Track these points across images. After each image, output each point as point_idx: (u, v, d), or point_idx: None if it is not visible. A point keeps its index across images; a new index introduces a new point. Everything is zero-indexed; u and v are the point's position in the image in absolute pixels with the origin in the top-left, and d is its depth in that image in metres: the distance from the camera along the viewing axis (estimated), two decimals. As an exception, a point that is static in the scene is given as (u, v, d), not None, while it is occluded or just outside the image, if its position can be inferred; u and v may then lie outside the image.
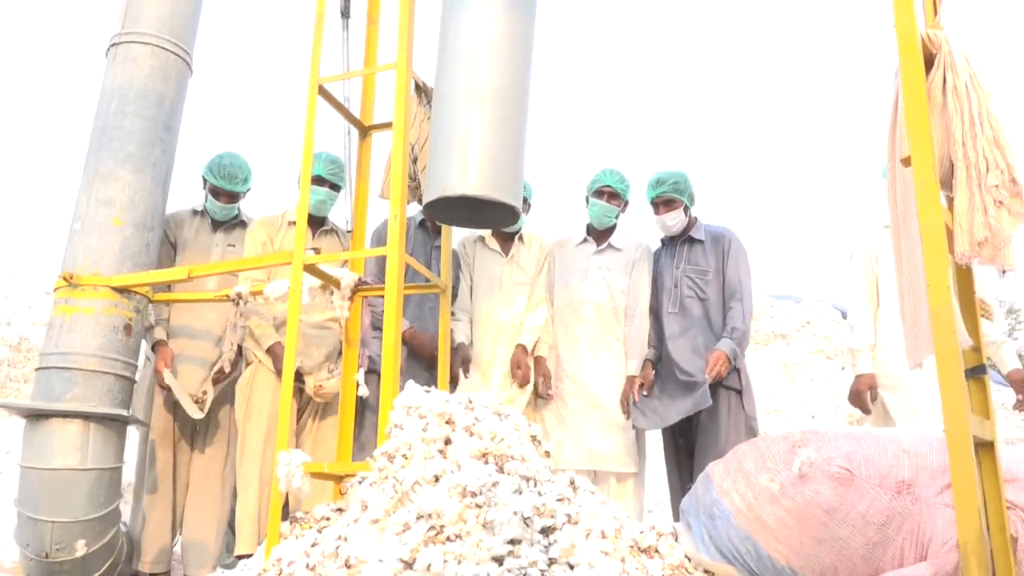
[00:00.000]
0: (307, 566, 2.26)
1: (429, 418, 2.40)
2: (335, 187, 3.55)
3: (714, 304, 3.69)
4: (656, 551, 2.37)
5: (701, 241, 3.76)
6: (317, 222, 3.63)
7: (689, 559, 2.37)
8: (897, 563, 2.00)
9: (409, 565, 2.04)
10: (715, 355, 3.45)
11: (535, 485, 2.32)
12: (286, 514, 2.89)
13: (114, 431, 3.08)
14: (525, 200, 4.00)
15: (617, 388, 3.72)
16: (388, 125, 3.07)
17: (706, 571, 2.34)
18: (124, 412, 3.05)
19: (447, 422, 2.42)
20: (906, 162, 1.93)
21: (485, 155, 2.70)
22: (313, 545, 2.43)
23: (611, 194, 3.84)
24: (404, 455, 2.36)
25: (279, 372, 3.33)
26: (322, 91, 3.05)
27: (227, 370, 3.44)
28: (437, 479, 2.26)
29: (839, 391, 10.93)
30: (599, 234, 3.93)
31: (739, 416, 3.50)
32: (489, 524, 2.12)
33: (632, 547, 2.32)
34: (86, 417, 2.97)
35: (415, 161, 3.17)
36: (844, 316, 12.53)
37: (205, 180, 3.70)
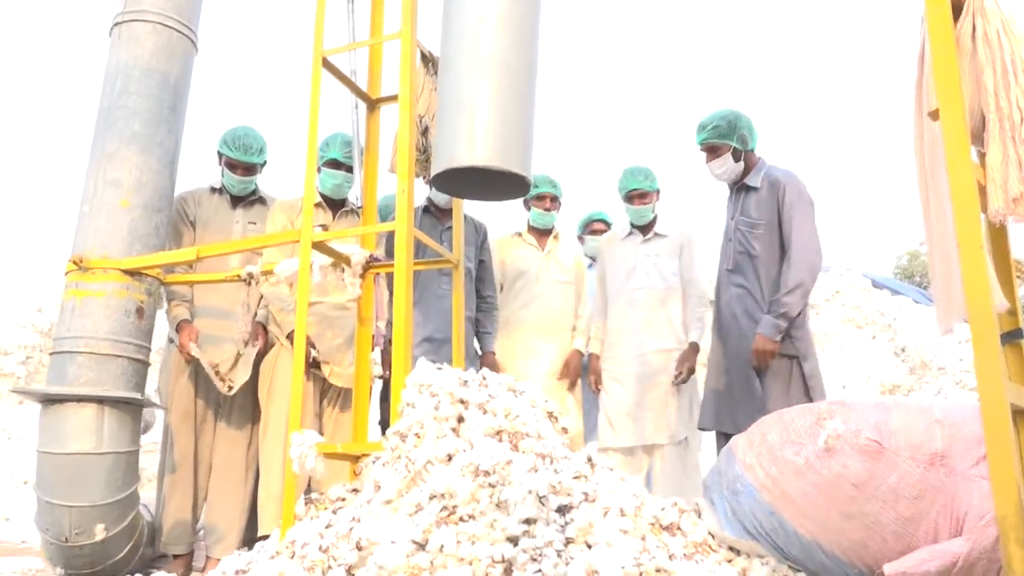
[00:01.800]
0: (320, 548, 2.22)
1: (441, 396, 2.34)
2: (352, 169, 3.50)
3: (766, 262, 3.36)
4: (678, 528, 2.29)
5: (756, 189, 3.42)
6: (337, 204, 3.63)
7: (713, 536, 2.30)
8: (931, 539, 1.91)
9: (422, 546, 1.99)
10: (754, 345, 3.27)
11: (551, 463, 2.26)
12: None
13: (129, 415, 3.06)
14: (555, 198, 4.19)
15: (667, 369, 3.83)
16: (396, 98, 2.99)
17: (730, 548, 2.26)
18: (138, 395, 3.02)
19: (460, 400, 2.36)
20: (934, 115, 1.82)
21: (493, 125, 2.60)
22: (327, 526, 2.39)
23: (639, 196, 3.95)
24: (416, 434, 2.31)
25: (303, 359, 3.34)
26: (327, 64, 2.97)
27: (241, 352, 3.40)
28: (450, 458, 2.21)
29: (870, 360, 10.75)
30: (643, 228, 4.04)
31: (798, 384, 3.27)
32: (503, 503, 2.06)
33: (653, 525, 2.25)
34: (100, 401, 2.95)
35: (424, 133, 3.08)
36: (874, 284, 12.30)
37: (220, 155, 3.64)
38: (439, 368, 2.48)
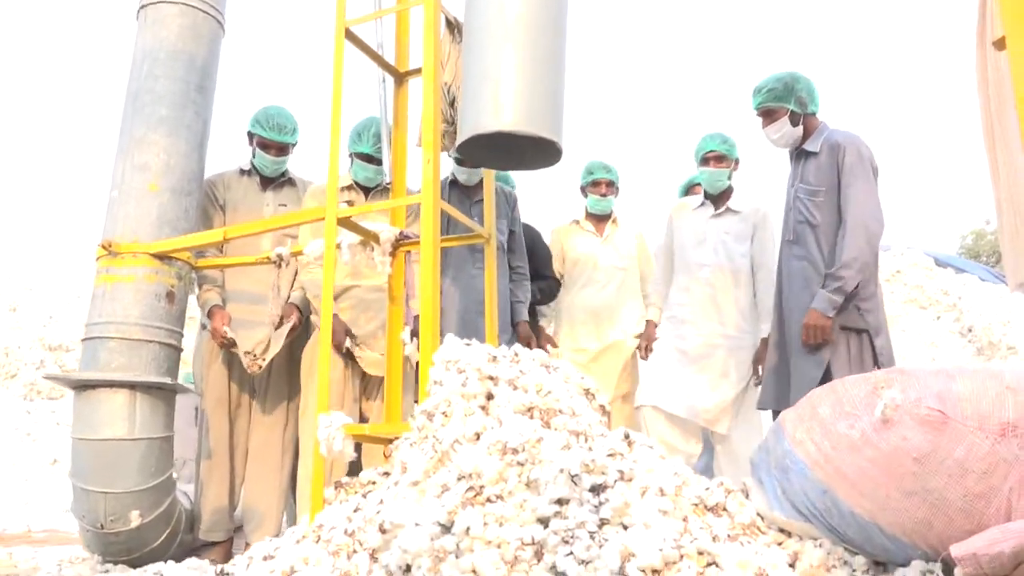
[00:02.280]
0: (346, 531, 2.13)
1: (468, 372, 2.23)
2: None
3: (828, 232, 3.13)
4: (724, 509, 2.13)
5: (815, 154, 3.20)
6: (370, 188, 3.55)
7: (762, 517, 2.13)
8: (1004, 516, 1.72)
9: (447, 528, 1.88)
10: (806, 320, 3.07)
11: (585, 441, 2.13)
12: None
13: (162, 400, 3.02)
14: (612, 183, 4.14)
15: (728, 352, 3.70)
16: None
17: (781, 529, 2.09)
18: (169, 380, 2.99)
19: (489, 377, 2.24)
20: (999, 44, 1.62)
21: (520, 89, 2.47)
22: (356, 510, 2.30)
23: (716, 158, 3.79)
24: (444, 412, 2.20)
25: (337, 346, 3.30)
26: (350, 35, 2.87)
27: (272, 335, 3.35)
28: (478, 436, 2.10)
29: (934, 341, 10.33)
30: (716, 198, 3.88)
31: (868, 361, 3.05)
32: (533, 483, 1.94)
33: (697, 505, 2.10)
34: (132, 386, 2.92)
35: (452, 104, 2.97)
36: (937, 263, 11.81)
37: (252, 136, 3.59)
38: (467, 344, 2.37)
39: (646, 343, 3.97)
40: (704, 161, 3.81)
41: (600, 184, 4.12)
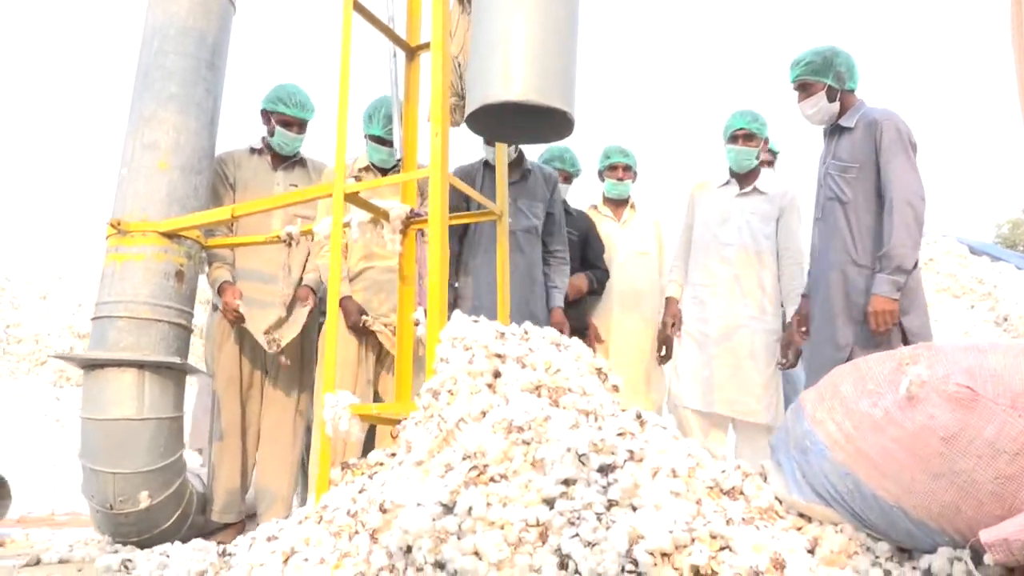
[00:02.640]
0: (348, 512, 2.07)
1: (475, 350, 2.16)
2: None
3: (860, 209, 3.03)
4: (741, 493, 2.04)
5: (850, 129, 3.10)
6: (386, 169, 3.50)
7: (780, 501, 2.04)
8: (1037, 500, 1.62)
9: (449, 509, 1.81)
10: (871, 308, 2.92)
11: (595, 420, 2.05)
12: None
13: (171, 380, 2.99)
14: (629, 168, 4.06)
15: (753, 333, 3.60)
16: (433, 42, 2.81)
17: (800, 515, 2.00)
18: (177, 360, 2.95)
19: (496, 354, 2.17)
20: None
21: (529, 58, 2.38)
22: (360, 491, 2.24)
23: (745, 136, 3.67)
24: (449, 391, 2.13)
25: (350, 326, 3.29)
26: (359, 8, 2.80)
27: (283, 315, 3.30)
28: (484, 415, 2.02)
29: (968, 331, 10.08)
30: (742, 177, 3.76)
31: (898, 344, 2.88)
32: (539, 462, 1.86)
33: (712, 488, 2.01)
34: (140, 366, 2.89)
35: (462, 77, 2.89)
36: (971, 251, 11.52)
37: (269, 114, 3.53)
38: (475, 321, 2.29)
39: (672, 320, 3.80)
40: (733, 139, 3.69)
41: (617, 168, 4.05)
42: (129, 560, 2.52)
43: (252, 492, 3.49)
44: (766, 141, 3.79)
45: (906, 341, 2.94)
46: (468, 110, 2.49)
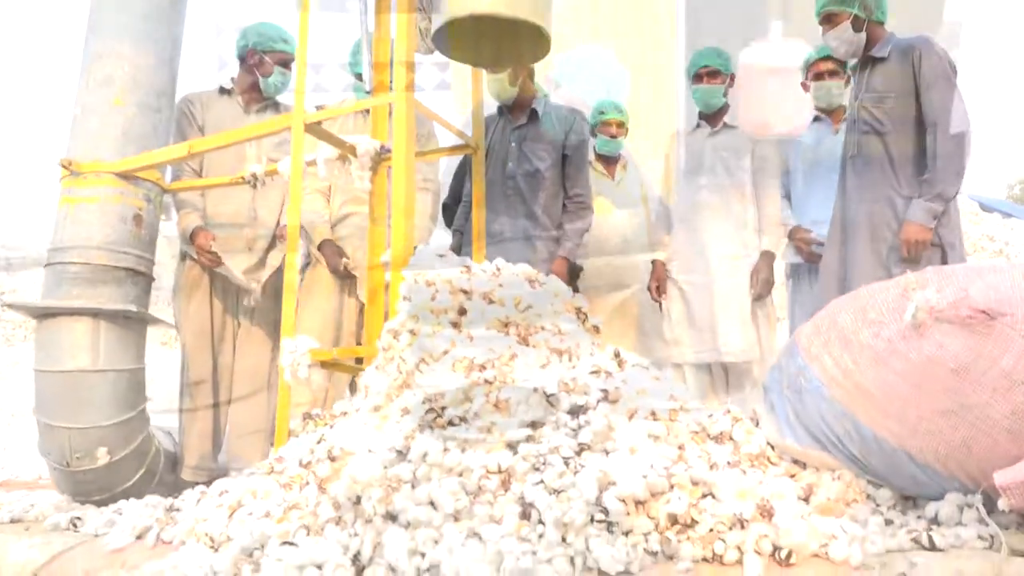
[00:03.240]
0: (300, 462, 1.90)
1: (438, 285, 1.98)
2: None
3: (898, 139, 2.89)
4: (730, 439, 1.86)
5: (883, 59, 2.95)
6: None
7: (773, 447, 1.86)
8: (1059, 437, 1.43)
9: (403, 455, 1.64)
10: (903, 235, 2.78)
11: (569, 360, 1.87)
12: None
13: (130, 330, 2.80)
14: (622, 124, 3.95)
15: (736, 271, 3.54)
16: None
17: (795, 460, 1.82)
18: (134, 308, 2.77)
19: (462, 290, 1.98)
20: None
21: (500, -33, 2.17)
22: (319, 442, 2.08)
23: (710, 74, 3.58)
24: (411, 331, 1.95)
25: (332, 270, 3.21)
26: (320, -76, 2.59)
27: (253, 261, 3.14)
28: (445, 354, 1.84)
29: (979, 289, 9.85)
30: (711, 117, 3.67)
31: None
32: (503, 403, 1.68)
33: (698, 433, 1.83)
34: (95, 314, 2.70)
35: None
36: (983, 208, 11.21)
37: (259, 54, 3.31)
38: (441, 256, 2.11)
39: (656, 284, 3.68)
40: (697, 78, 3.61)
41: (611, 124, 3.94)
42: (78, 518, 2.37)
43: (223, 452, 3.34)
44: (732, 76, 3.67)
45: None
46: (435, 28, 2.28)
